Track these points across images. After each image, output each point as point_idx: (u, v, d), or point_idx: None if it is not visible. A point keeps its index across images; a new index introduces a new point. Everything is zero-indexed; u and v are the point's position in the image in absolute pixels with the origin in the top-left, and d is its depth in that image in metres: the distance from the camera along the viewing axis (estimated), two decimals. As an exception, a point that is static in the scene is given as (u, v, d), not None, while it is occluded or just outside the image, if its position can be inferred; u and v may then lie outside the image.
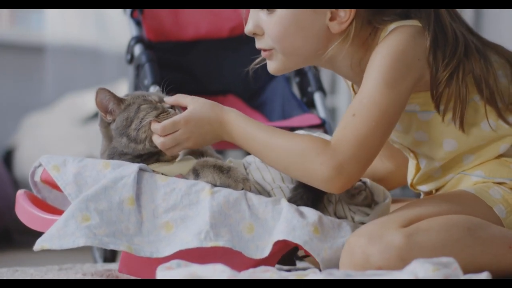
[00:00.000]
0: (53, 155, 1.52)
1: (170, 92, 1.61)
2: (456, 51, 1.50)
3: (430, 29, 1.49)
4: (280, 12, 1.50)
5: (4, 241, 3.29)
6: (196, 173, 1.50)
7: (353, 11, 1.48)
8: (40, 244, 1.40)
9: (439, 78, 1.48)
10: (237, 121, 1.50)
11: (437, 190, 1.64)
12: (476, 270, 1.31)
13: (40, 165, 1.53)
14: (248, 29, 1.54)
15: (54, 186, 1.51)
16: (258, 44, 1.56)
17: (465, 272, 1.24)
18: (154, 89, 2.13)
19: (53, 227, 1.41)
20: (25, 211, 1.52)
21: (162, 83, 2.13)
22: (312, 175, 1.43)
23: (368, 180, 1.57)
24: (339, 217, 1.53)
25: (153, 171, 1.50)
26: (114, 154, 1.55)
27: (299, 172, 1.45)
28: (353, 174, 1.43)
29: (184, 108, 1.53)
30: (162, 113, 1.53)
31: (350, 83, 1.69)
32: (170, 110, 1.53)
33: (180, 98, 1.54)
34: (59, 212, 1.53)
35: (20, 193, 1.57)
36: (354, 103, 1.46)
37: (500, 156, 1.56)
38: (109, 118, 1.55)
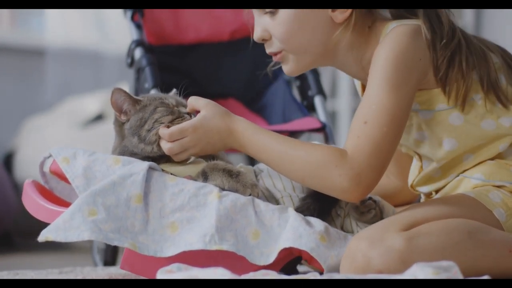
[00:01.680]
0: (64, 147, 1.52)
1: (187, 96, 1.61)
2: (454, 34, 1.52)
3: (426, 22, 1.51)
4: (282, 12, 1.52)
5: (4, 244, 3.30)
6: (205, 176, 1.50)
7: None
8: (45, 235, 1.40)
9: (439, 60, 1.50)
10: (248, 131, 1.50)
11: (436, 191, 1.64)
12: (476, 274, 1.31)
13: (50, 155, 1.53)
14: (256, 35, 1.56)
15: (63, 177, 1.51)
16: (268, 49, 1.57)
17: (466, 275, 1.24)
18: (154, 92, 2.13)
19: (59, 219, 1.41)
20: (32, 201, 1.53)
21: (162, 87, 2.15)
22: (331, 186, 1.44)
23: (379, 199, 1.58)
24: (345, 231, 1.53)
25: (163, 170, 1.51)
26: (124, 152, 1.55)
27: (317, 183, 1.46)
28: (370, 183, 1.45)
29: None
30: (177, 118, 1.53)
31: (358, 84, 1.69)
32: (186, 115, 1.54)
33: (193, 101, 1.55)
34: (65, 203, 1.53)
35: (28, 182, 1.57)
36: (363, 109, 1.47)
37: (500, 156, 1.57)
38: (123, 118, 1.55)
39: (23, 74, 3.90)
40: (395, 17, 1.56)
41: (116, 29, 3.99)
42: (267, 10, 1.53)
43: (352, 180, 1.43)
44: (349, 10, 1.51)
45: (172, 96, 1.60)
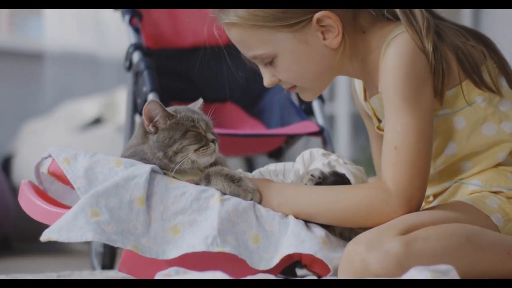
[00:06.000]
0: (64, 147, 1.52)
1: (187, 101, 1.62)
2: (430, 25, 1.52)
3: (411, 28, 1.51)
4: (279, 61, 1.55)
5: (3, 248, 3.29)
6: (208, 180, 1.51)
7: (337, 20, 1.52)
8: (47, 235, 1.40)
9: (427, 51, 1.50)
10: (287, 184, 1.57)
11: (435, 196, 1.64)
12: (475, 277, 1.31)
13: (48, 156, 1.53)
14: (266, 82, 1.61)
15: (61, 178, 1.51)
16: (283, 86, 1.62)
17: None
18: (152, 96, 2.13)
19: (61, 219, 1.41)
20: (28, 200, 1.52)
21: (160, 90, 2.15)
22: (389, 219, 1.45)
23: None
24: (343, 239, 1.54)
25: (165, 173, 1.51)
26: (136, 155, 1.55)
27: (374, 223, 1.47)
28: (420, 200, 1.48)
29: (220, 137, 1.58)
30: (202, 146, 1.53)
31: (359, 84, 1.69)
32: (211, 144, 1.54)
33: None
34: (58, 204, 1.53)
35: (25, 182, 1.56)
36: (389, 135, 1.49)
37: (498, 164, 1.56)
38: (151, 128, 1.54)
39: (21, 78, 3.90)
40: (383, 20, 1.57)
41: (114, 33, 3.99)
42: (266, 61, 1.56)
43: (405, 207, 1.46)
44: (340, 34, 1.53)
45: (203, 116, 1.59)
